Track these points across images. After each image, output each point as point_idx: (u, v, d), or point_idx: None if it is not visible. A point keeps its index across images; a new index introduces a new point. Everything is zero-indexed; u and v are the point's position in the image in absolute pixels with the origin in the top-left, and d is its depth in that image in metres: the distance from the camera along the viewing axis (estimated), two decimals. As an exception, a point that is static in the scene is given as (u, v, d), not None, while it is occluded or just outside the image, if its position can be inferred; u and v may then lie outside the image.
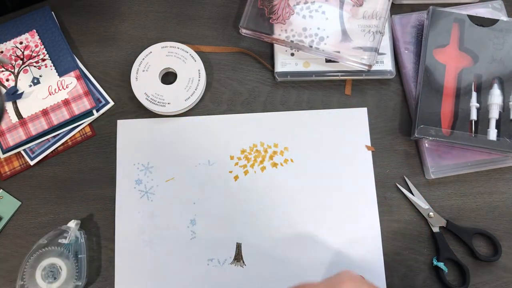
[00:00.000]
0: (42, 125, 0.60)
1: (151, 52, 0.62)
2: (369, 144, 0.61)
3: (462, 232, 0.58)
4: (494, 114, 0.58)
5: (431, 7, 0.62)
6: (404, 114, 0.62)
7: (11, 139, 0.59)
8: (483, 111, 0.58)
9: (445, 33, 0.61)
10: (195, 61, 0.61)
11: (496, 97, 0.58)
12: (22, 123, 0.60)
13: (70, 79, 0.62)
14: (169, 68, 0.62)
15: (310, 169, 0.60)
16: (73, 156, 0.61)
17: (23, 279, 0.54)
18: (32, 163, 0.60)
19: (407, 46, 0.63)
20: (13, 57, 0.62)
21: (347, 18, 0.61)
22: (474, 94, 0.58)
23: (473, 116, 0.58)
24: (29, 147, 0.60)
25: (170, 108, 0.60)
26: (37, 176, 0.60)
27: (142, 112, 0.62)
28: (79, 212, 0.59)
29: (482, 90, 0.59)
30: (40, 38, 0.63)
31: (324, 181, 0.59)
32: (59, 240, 0.55)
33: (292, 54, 0.62)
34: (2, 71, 0.62)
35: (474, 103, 0.58)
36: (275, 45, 0.63)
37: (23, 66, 0.62)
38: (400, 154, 0.61)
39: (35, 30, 0.63)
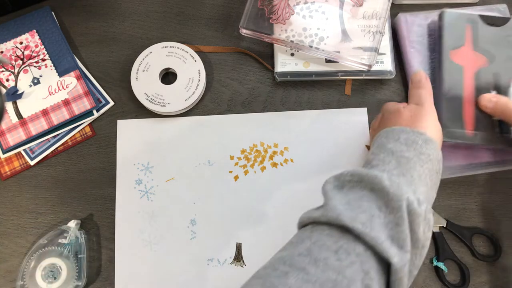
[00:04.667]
0: (42, 125, 0.60)
1: (151, 52, 0.62)
2: (369, 144, 0.61)
3: (462, 232, 0.58)
4: None
5: (443, 9, 0.61)
6: (404, 114, 0.62)
7: (11, 139, 0.59)
8: None
9: (459, 34, 0.60)
10: (195, 61, 0.61)
11: None
12: (22, 123, 0.60)
13: (70, 79, 0.62)
14: (169, 68, 0.62)
15: (310, 169, 0.60)
16: (73, 156, 0.61)
17: (23, 279, 0.54)
18: (32, 163, 0.60)
19: (413, 45, 0.63)
20: (13, 57, 0.62)
21: (347, 18, 0.61)
22: (493, 94, 0.57)
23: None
24: (29, 147, 0.60)
25: (170, 108, 0.60)
26: (37, 176, 0.60)
27: (142, 112, 0.62)
28: (79, 212, 0.59)
29: (501, 88, 0.58)
30: (40, 38, 0.63)
31: (324, 181, 0.59)
32: (59, 240, 0.55)
33: (292, 54, 0.62)
34: (2, 71, 0.62)
35: None
36: (275, 45, 0.63)
37: (23, 66, 0.62)
38: (400, 154, 0.61)
39: (35, 30, 0.63)
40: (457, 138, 0.56)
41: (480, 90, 0.58)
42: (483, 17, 0.61)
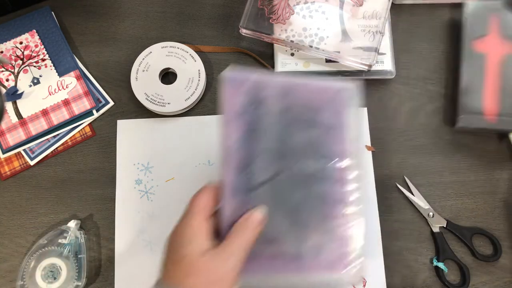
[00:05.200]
0: (42, 125, 0.60)
1: (151, 52, 0.62)
2: (369, 144, 0.61)
3: (462, 232, 0.58)
4: None
5: (467, 2, 0.62)
6: (404, 114, 0.63)
7: (11, 139, 0.59)
8: None
9: (483, 23, 0.62)
10: (195, 61, 0.61)
11: None
12: (22, 123, 0.60)
13: (70, 79, 0.62)
14: (169, 68, 0.62)
15: (310, 169, 0.60)
16: (73, 156, 0.61)
17: (23, 279, 0.54)
18: (32, 163, 0.60)
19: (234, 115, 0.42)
20: (13, 57, 0.62)
21: (347, 18, 0.61)
22: None
23: None
24: (29, 147, 0.60)
25: (170, 108, 0.60)
26: (37, 176, 0.60)
27: (142, 112, 0.62)
28: (79, 212, 0.59)
29: None
30: (40, 38, 0.63)
31: (324, 181, 0.59)
32: (59, 240, 0.55)
33: (292, 54, 0.62)
34: (2, 71, 0.62)
35: None
36: (275, 45, 0.63)
37: (23, 66, 0.62)
38: (400, 154, 0.61)
39: (35, 30, 0.63)
40: (475, 125, 0.59)
41: (505, 77, 0.60)
42: (507, 6, 0.62)
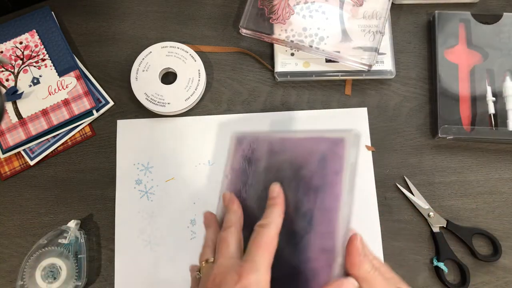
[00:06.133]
0: (42, 125, 0.60)
1: (151, 52, 0.62)
2: (369, 144, 0.61)
3: (462, 232, 0.58)
4: (511, 106, 0.59)
5: (436, 11, 0.63)
6: (404, 114, 0.63)
7: (11, 139, 0.59)
8: (500, 104, 0.60)
9: (453, 33, 0.63)
10: (195, 61, 0.61)
11: (510, 89, 0.60)
12: (22, 123, 0.60)
13: (70, 79, 0.62)
14: (169, 68, 0.62)
15: (310, 169, 0.60)
16: (73, 156, 0.61)
17: (23, 279, 0.54)
18: (32, 163, 0.60)
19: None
20: (13, 57, 0.62)
21: (347, 18, 0.61)
22: (488, 89, 0.60)
23: (491, 110, 0.60)
24: (29, 147, 0.60)
25: (170, 108, 0.60)
26: (37, 176, 0.60)
27: (142, 112, 0.62)
28: (79, 212, 0.59)
29: (496, 84, 0.61)
30: (40, 38, 0.63)
31: (324, 181, 0.59)
32: (59, 240, 0.55)
33: (292, 54, 0.62)
34: (2, 71, 0.62)
35: (490, 98, 0.60)
36: (275, 45, 0.63)
37: (23, 66, 0.62)
38: (400, 154, 0.61)
39: (35, 30, 0.63)
40: (454, 134, 0.59)
41: (476, 86, 0.61)
42: (475, 16, 0.63)
